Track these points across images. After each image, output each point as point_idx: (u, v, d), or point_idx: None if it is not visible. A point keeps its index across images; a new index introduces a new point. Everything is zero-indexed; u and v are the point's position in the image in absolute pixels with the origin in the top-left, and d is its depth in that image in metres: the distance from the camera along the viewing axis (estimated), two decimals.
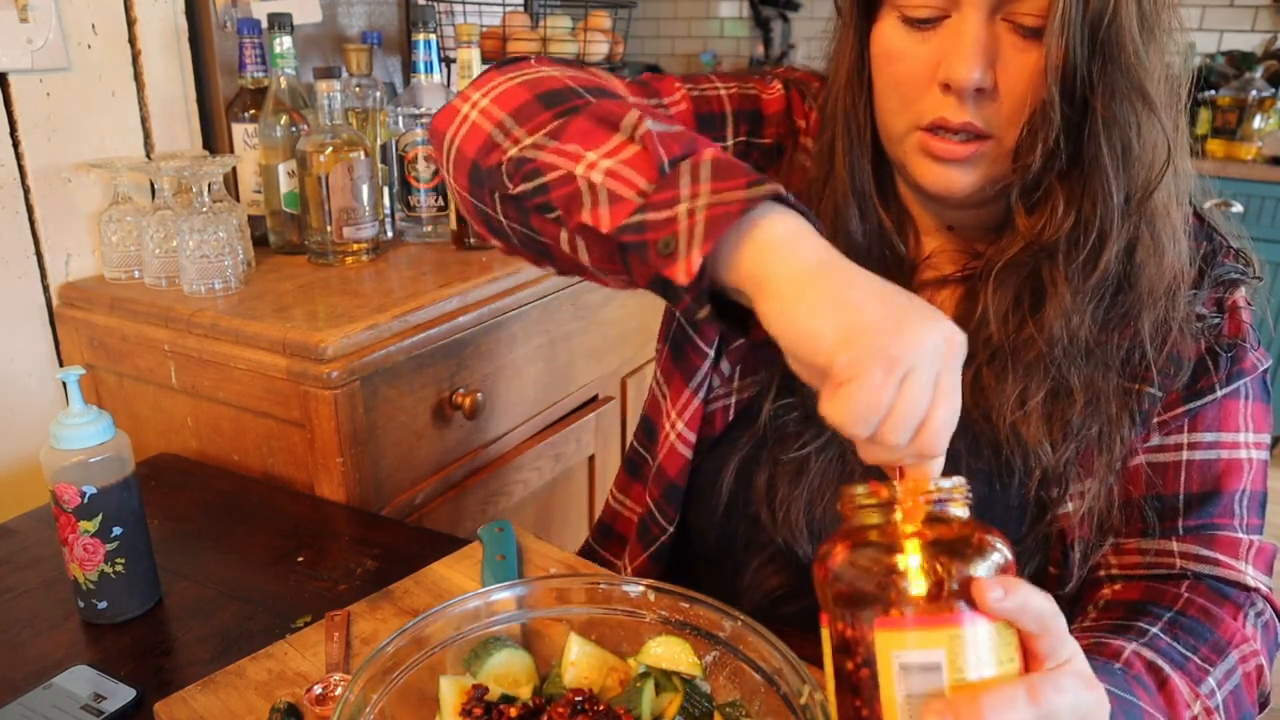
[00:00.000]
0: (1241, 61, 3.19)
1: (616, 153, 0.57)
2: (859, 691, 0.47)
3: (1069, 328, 0.68)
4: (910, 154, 0.69)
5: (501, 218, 0.65)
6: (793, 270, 0.50)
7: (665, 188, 0.53)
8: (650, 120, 0.57)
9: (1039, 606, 0.46)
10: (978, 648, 0.46)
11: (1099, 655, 0.66)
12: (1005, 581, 0.46)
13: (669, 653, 0.66)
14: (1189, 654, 0.68)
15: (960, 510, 0.49)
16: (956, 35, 0.63)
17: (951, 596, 0.46)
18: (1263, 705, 0.71)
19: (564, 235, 0.59)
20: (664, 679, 0.64)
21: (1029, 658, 0.47)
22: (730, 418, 0.83)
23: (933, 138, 0.67)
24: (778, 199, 0.52)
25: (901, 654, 0.46)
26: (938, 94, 0.65)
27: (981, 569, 0.46)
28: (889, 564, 0.46)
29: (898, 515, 0.48)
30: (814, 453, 0.77)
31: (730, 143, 0.79)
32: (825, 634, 0.49)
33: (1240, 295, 0.73)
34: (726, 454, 0.83)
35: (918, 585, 0.46)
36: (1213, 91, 3.10)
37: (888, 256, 0.76)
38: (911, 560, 0.46)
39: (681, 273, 0.50)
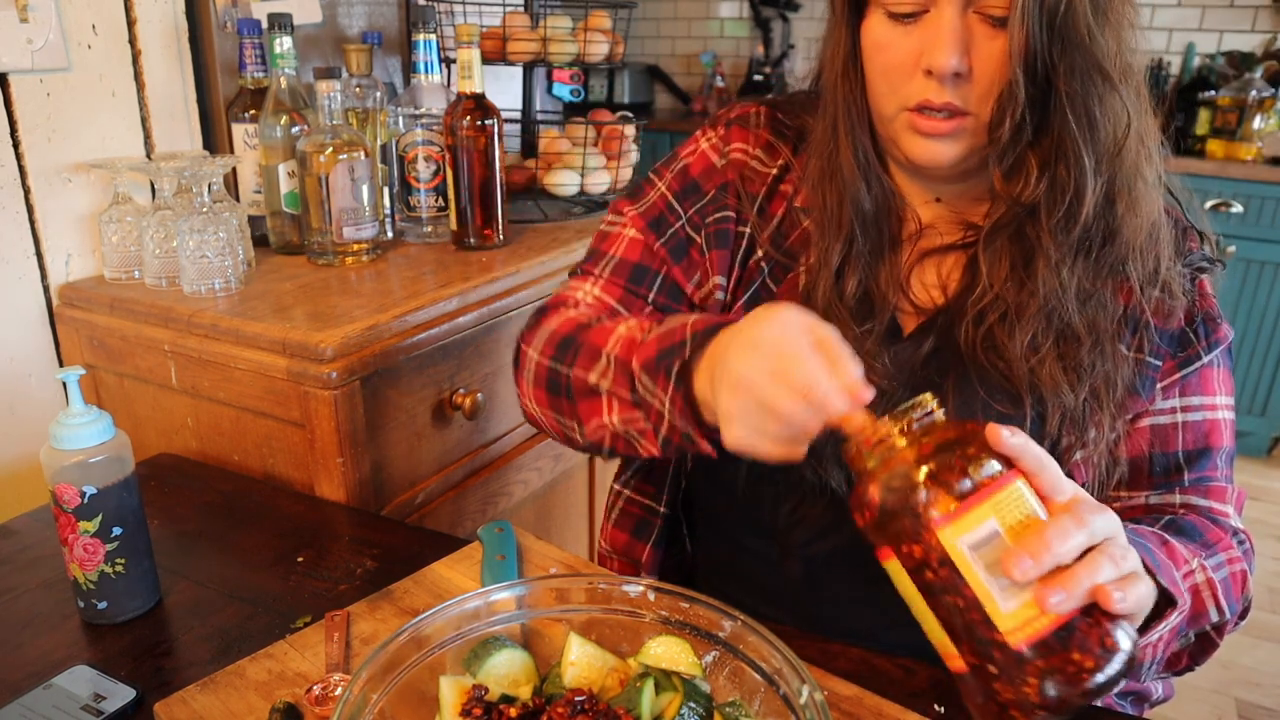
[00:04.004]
0: (1241, 61, 3.19)
1: (611, 410, 0.77)
2: (948, 589, 0.54)
3: (1060, 278, 0.77)
4: (900, 131, 0.78)
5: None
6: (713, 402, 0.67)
7: (649, 409, 0.73)
8: (592, 374, 0.78)
9: (1037, 447, 0.56)
10: (1015, 502, 0.55)
11: None
12: (1007, 427, 0.55)
13: (669, 653, 0.66)
14: (1184, 544, 0.76)
15: (939, 414, 0.58)
16: (935, 28, 0.72)
17: (971, 470, 0.54)
18: (1244, 612, 0.81)
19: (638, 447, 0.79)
20: (664, 679, 0.64)
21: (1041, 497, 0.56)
22: None
23: (919, 116, 0.75)
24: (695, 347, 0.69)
25: (965, 538, 0.53)
26: (921, 79, 0.74)
27: (979, 444, 0.56)
28: (919, 480, 0.54)
29: (900, 443, 0.57)
30: None
31: (684, 220, 0.91)
32: (894, 566, 0.57)
33: (1206, 279, 0.83)
34: None
35: (948, 480, 0.54)
36: (1213, 91, 3.10)
37: (893, 225, 0.84)
38: (933, 466, 0.55)
39: (706, 445, 0.71)
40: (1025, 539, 0.53)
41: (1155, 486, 0.83)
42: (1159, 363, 0.81)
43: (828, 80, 0.83)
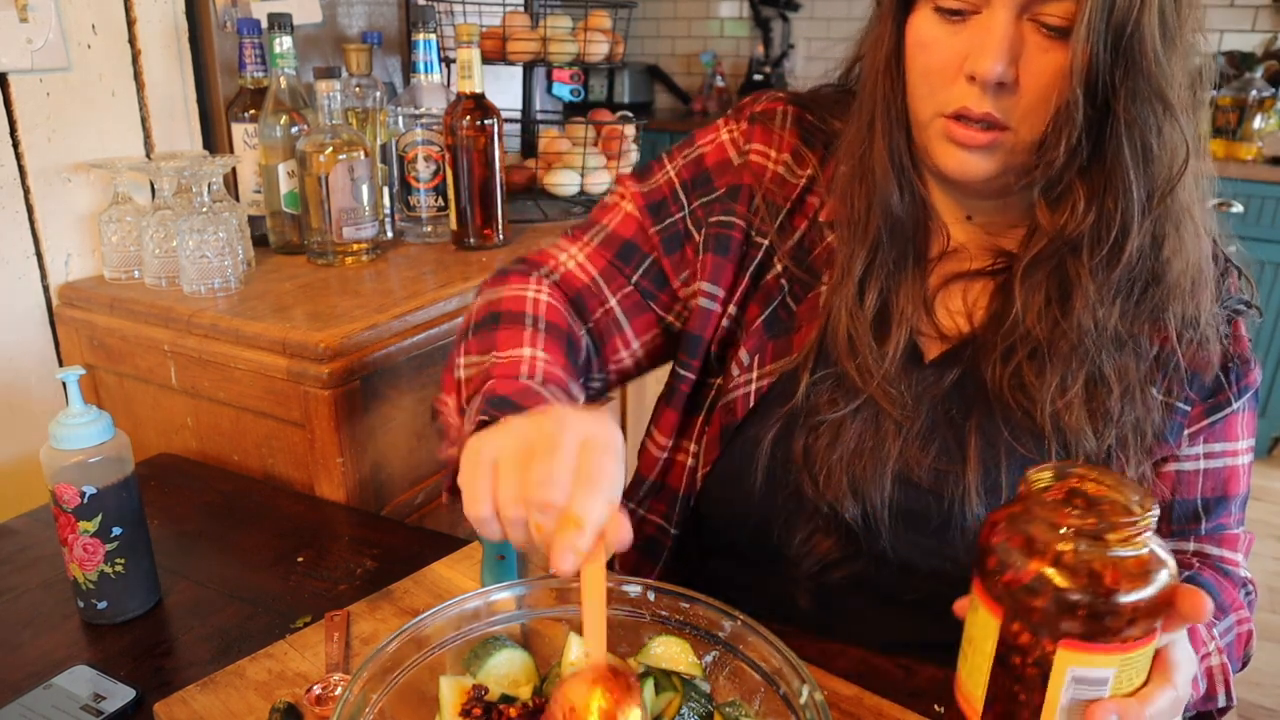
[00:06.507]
0: (1241, 61, 3.19)
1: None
2: (1021, 681, 0.53)
3: (1096, 318, 0.73)
4: (934, 139, 0.73)
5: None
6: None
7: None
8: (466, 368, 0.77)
9: None
10: (1141, 665, 0.53)
11: None
12: (1208, 598, 0.52)
13: (669, 653, 0.65)
14: None
15: (1153, 544, 0.52)
16: (985, 30, 0.67)
17: (1133, 626, 0.51)
18: (1244, 664, 0.81)
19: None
20: (664, 679, 0.64)
21: None
22: (752, 404, 0.85)
23: (955, 124, 0.71)
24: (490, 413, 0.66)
25: (1077, 669, 0.51)
26: (963, 84, 0.69)
27: (1157, 596, 0.51)
28: (1087, 599, 0.50)
29: (1095, 553, 0.51)
30: (850, 415, 0.80)
31: (686, 212, 0.88)
32: (984, 618, 0.54)
33: (1242, 322, 0.80)
34: (758, 435, 0.84)
35: (1109, 615, 0.50)
36: (1213, 91, 3.10)
37: (921, 239, 0.80)
38: (1109, 595, 0.50)
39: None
40: (1124, 702, 0.52)
41: (1171, 534, 0.81)
42: (1188, 408, 0.78)
43: (867, 76, 0.78)
